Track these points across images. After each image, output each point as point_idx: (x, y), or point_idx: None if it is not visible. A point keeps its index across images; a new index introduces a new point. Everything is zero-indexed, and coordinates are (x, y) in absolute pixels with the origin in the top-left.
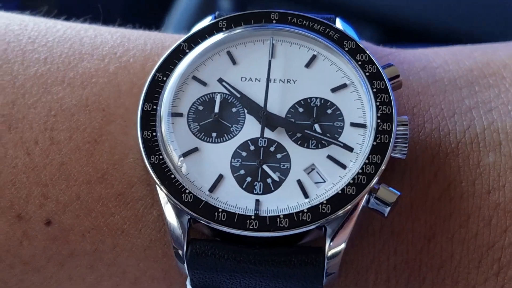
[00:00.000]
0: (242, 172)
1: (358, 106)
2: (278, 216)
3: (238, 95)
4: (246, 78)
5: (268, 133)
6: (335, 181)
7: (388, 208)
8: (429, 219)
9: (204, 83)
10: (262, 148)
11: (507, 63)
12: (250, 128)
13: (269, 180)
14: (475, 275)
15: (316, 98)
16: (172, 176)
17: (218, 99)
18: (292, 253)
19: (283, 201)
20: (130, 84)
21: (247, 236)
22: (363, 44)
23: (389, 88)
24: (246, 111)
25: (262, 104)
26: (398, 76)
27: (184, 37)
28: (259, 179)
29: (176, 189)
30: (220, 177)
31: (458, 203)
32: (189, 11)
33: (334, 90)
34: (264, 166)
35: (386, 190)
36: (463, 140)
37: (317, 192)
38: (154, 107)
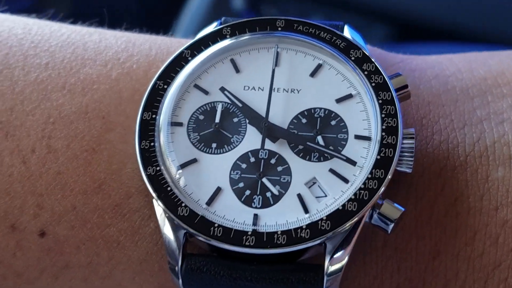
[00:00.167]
0: (241, 185)
1: (363, 117)
2: (276, 232)
3: (240, 105)
4: (249, 87)
5: (269, 145)
6: (336, 195)
7: (392, 225)
8: (434, 235)
9: (206, 92)
10: (262, 160)
11: None
12: (251, 139)
13: (268, 194)
14: None
15: (320, 108)
16: (169, 188)
17: (219, 108)
18: (290, 271)
19: (282, 216)
20: (132, 91)
21: (244, 253)
22: (373, 51)
23: (396, 99)
24: (247, 121)
25: (264, 115)
26: (406, 86)
27: (187, 43)
28: (258, 193)
29: (172, 203)
30: (218, 190)
31: (465, 219)
32: (201, 11)
33: (339, 100)
34: (264, 179)
35: (390, 206)
36: (472, 153)
37: (317, 207)
38: (154, 116)
